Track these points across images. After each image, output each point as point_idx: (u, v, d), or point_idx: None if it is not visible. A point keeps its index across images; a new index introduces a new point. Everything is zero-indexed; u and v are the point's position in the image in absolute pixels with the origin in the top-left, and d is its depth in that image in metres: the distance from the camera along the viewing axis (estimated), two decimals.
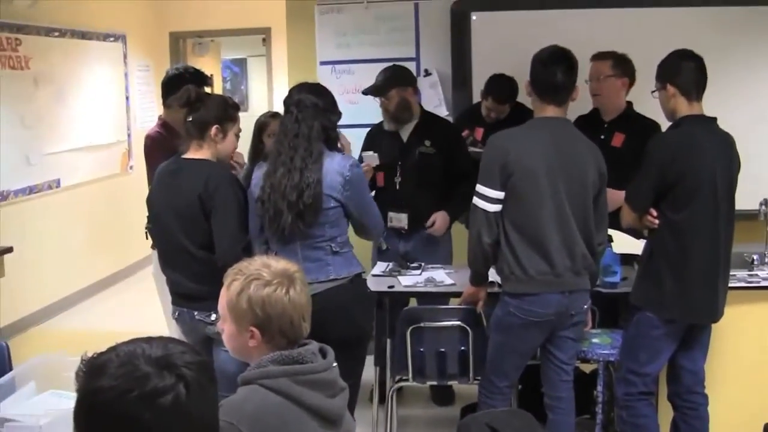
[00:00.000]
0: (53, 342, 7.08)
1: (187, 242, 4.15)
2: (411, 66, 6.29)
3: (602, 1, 6.47)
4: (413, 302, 5.32)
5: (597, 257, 4.33)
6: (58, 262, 8.21)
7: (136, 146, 9.33)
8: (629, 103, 5.29)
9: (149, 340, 1.78)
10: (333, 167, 4.14)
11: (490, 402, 4.40)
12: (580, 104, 4.86)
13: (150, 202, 4.41)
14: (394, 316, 4.84)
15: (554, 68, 4.16)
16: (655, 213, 4.25)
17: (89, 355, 1.75)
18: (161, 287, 4.89)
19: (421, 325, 4.67)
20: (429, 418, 5.74)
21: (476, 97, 6.38)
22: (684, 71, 4.24)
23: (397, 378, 4.90)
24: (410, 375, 4.78)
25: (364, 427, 4.76)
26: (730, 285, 4.40)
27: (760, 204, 5.06)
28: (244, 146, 4.75)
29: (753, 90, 6.37)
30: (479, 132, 5.94)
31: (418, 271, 5.21)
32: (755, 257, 5.01)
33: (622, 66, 5.22)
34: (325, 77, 6.64)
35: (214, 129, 4.17)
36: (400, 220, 5.51)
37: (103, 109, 9.25)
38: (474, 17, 6.61)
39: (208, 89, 5.08)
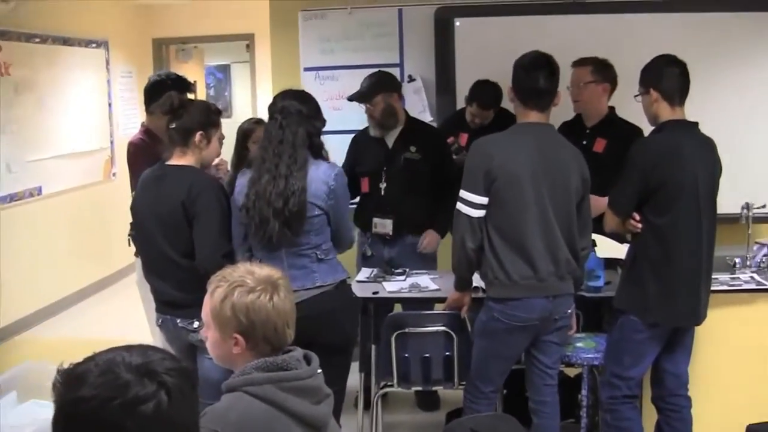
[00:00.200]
0: (36, 351, 7.05)
1: (170, 250, 4.13)
2: (395, 72, 6.31)
3: (584, 8, 6.50)
4: (398, 308, 5.33)
5: (581, 262, 4.33)
6: (40, 270, 8.16)
7: (119, 153, 9.27)
8: (611, 108, 5.30)
9: (128, 348, 1.77)
10: (318, 176, 4.13)
11: (475, 407, 4.40)
12: (564, 111, 4.88)
13: (133, 209, 4.40)
14: (378, 322, 4.84)
15: (536, 74, 4.17)
16: (638, 217, 4.26)
17: (65, 365, 1.74)
18: (145, 295, 4.88)
19: (406, 330, 4.67)
20: (414, 424, 5.73)
21: (460, 103, 6.40)
22: (667, 77, 4.26)
23: (382, 384, 4.89)
24: (395, 381, 4.77)
25: None
26: (712, 288, 4.42)
27: (742, 207, 5.09)
28: (226, 153, 4.74)
29: (734, 94, 6.39)
30: (464, 137, 5.95)
31: (403, 277, 5.21)
32: (737, 260, 5.04)
33: (602, 72, 5.24)
34: (308, 83, 6.65)
35: (198, 135, 4.17)
36: (384, 226, 5.51)
37: (86, 115, 9.19)
38: (457, 23, 6.62)
39: (190, 95, 5.07)
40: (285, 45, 6.99)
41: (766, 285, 4.79)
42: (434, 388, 5.14)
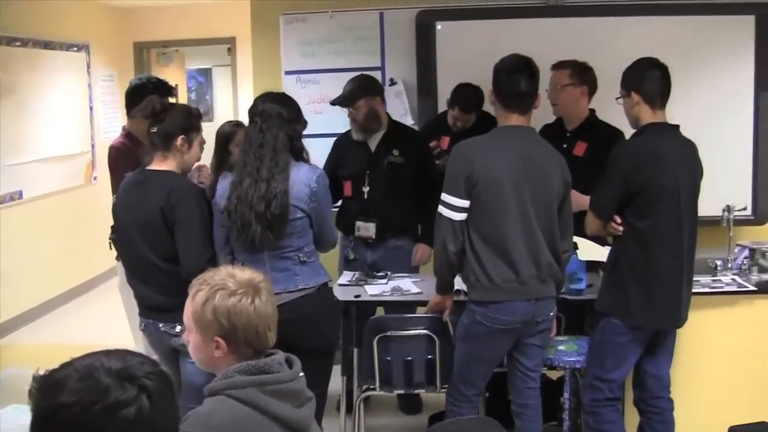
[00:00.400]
0: (16, 356, 7.02)
1: (151, 255, 4.13)
2: (376, 75, 6.32)
3: (565, 11, 6.52)
4: (380, 311, 5.33)
5: (562, 265, 4.34)
6: (21, 275, 8.10)
7: (100, 157, 9.23)
8: (592, 111, 5.31)
9: (107, 353, 1.77)
10: (300, 178, 4.13)
11: (458, 410, 4.40)
12: (543, 113, 4.89)
13: (114, 213, 4.39)
14: (360, 325, 4.83)
15: (518, 76, 4.17)
16: (619, 220, 4.27)
17: (41, 372, 1.73)
18: (126, 299, 4.86)
19: (388, 334, 4.66)
20: (397, 427, 5.73)
21: (441, 106, 6.41)
22: (648, 80, 4.27)
23: (365, 387, 4.89)
24: (377, 384, 4.77)
25: None
26: (694, 290, 4.44)
27: (723, 210, 5.12)
28: (206, 157, 4.72)
29: (715, 98, 6.43)
30: (445, 141, 5.95)
31: (385, 280, 5.22)
32: (718, 263, 5.06)
33: (580, 74, 5.24)
34: (290, 87, 6.64)
35: (180, 140, 4.16)
36: (368, 229, 5.51)
37: (67, 119, 9.15)
38: (439, 26, 6.63)
39: (171, 99, 5.06)
40: (266, 48, 6.98)
41: (747, 287, 4.81)
42: (416, 392, 5.13)
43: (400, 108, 6.65)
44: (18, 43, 8.16)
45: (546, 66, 5.07)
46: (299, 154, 4.21)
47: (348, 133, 5.66)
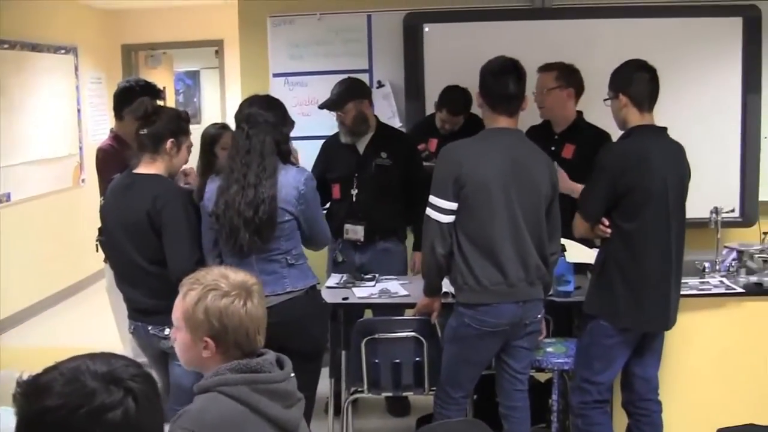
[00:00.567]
0: (4, 359, 6.98)
1: (139, 258, 4.12)
2: (364, 77, 6.31)
3: (553, 13, 6.53)
4: (368, 314, 5.32)
5: (550, 267, 4.34)
6: (9, 277, 8.07)
7: (88, 159, 9.22)
8: (579, 113, 5.31)
9: (91, 356, 1.77)
10: (288, 181, 4.13)
11: (446, 412, 4.40)
12: (529, 115, 4.89)
13: (102, 216, 4.38)
14: (348, 327, 4.83)
15: (506, 78, 4.17)
16: (607, 222, 4.27)
17: (25, 376, 1.73)
18: (115, 302, 4.86)
19: (376, 336, 4.66)
20: (385, 430, 5.73)
21: (429, 108, 6.41)
22: (637, 82, 4.27)
23: (353, 390, 4.88)
24: (365, 386, 4.76)
25: None
26: (682, 293, 4.44)
27: (711, 212, 5.12)
28: (192, 159, 4.71)
29: (703, 100, 6.45)
30: (433, 143, 5.94)
31: (373, 283, 5.21)
32: (706, 265, 5.07)
33: (566, 77, 5.21)
34: (278, 89, 6.64)
35: (169, 143, 4.15)
36: (356, 232, 5.51)
37: (55, 122, 9.14)
38: (426, 29, 6.63)
39: (160, 102, 5.05)
40: (254, 51, 6.97)
41: (735, 289, 4.82)
42: (404, 394, 5.13)
43: (387, 110, 6.65)
44: (6, 46, 8.14)
45: (534, 68, 5.08)
46: (286, 157, 4.21)
47: (336, 135, 5.65)
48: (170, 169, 4.22)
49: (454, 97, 5.86)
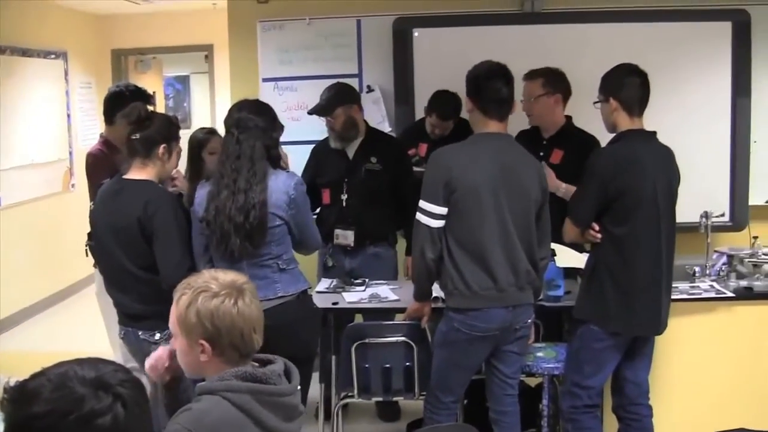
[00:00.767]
0: None
1: (128, 264, 4.11)
2: (353, 82, 6.32)
3: (542, 18, 6.53)
4: (358, 318, 5.32)
5: (540, 272, 4.34)
6: None
7: (78, 164, 9.22)
8: (568, 118, 5.31)
9: (79, 361, 1.76)
10: (278, 186, 4.13)
11: (436, 417, 4.39)
12: (519, 120, 4.90)
13: (91, 221, 4.37)
14: (338, 332, 4.82)
15: (497, 83, 4.18)
16: (597, 227, 4.28)
17: (11, 382, 1.72)
18: (104, 307, 4.85)
19: (366, 341, 4.66)
20: None
21: (419, 113, 6.41)
22: (627, 86, 4.27)
23: (343, 394, 4.88)
24: (355, 391, 4.76)
25: None
26: (672, 297, 4.44)
27: (701, 216, 5.12)
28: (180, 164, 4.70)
29: (692, 104, 6.45)
30: (423, 148, 5.94)
31: (363, 288, 5.21)
32: (697, 269, 5.06)
33: (552, 83, 5.19)
34: (267, 94, 6.62)
35: (161, 148, 4.14)
36: (346, 237, 5.51)
37: (45, 126, 9.12)
38: (416, 33, 6.63)
39: (150, 107, 5.05)
40: (244, 56, 6.96)
41: (725, 293, 4.82)
42: (395, 399, 5.12)
43: (377, 115, 6.64)
44: None
45: (524, 72, 5.09)
46: (276, 162, 4.21)
47: (326, 140, 5.65)
48: (161, 175, 4.21)
49: (443, 101, 5.86)
